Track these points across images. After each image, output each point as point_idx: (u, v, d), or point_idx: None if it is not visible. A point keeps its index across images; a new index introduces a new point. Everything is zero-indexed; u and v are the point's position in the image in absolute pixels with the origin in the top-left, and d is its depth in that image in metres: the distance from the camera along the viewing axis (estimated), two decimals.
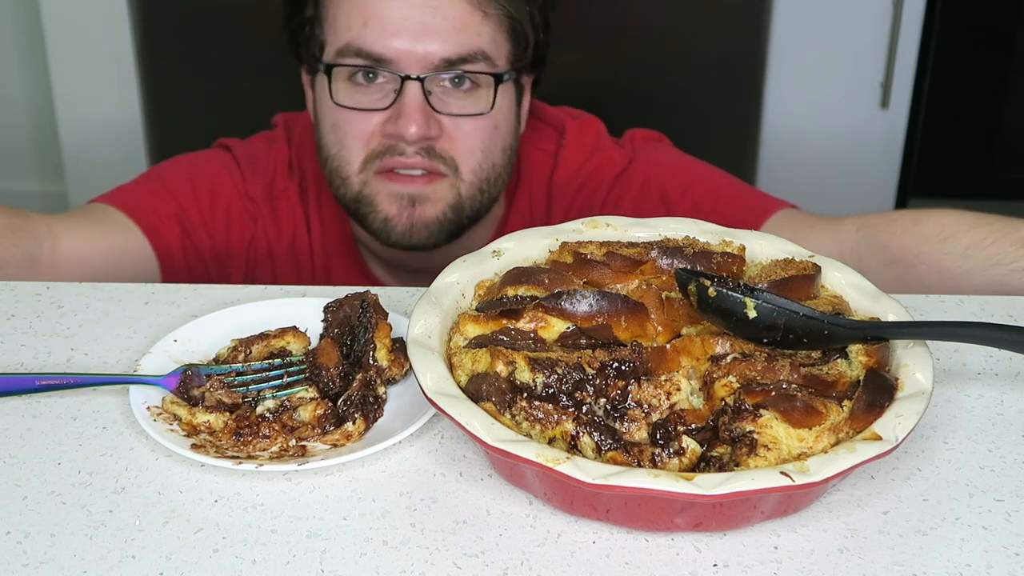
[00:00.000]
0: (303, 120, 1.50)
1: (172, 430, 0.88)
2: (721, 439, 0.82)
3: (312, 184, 1.47)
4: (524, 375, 0.85)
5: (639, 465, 0.81)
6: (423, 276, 1.45)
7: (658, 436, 0.83)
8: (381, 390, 0.92)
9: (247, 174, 1.46)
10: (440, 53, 1.30)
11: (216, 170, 1.46)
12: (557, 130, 1.50)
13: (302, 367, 0.94)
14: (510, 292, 0.93)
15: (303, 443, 0.89)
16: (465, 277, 0.96)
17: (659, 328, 0.91)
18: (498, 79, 1.33)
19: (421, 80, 1.30)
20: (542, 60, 1.44)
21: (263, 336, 0.98)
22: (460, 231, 1.39)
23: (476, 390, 0.84)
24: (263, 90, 2.38)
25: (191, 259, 1.42)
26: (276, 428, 0.89)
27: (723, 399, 0.84)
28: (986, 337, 0.87)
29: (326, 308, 1.00)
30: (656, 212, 1.41)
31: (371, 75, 1.32)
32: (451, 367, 0.87)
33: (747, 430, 0.80)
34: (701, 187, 1.44)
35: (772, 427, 0.80)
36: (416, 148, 1.32)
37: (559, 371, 0.85)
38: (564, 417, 0.83)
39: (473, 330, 0.90)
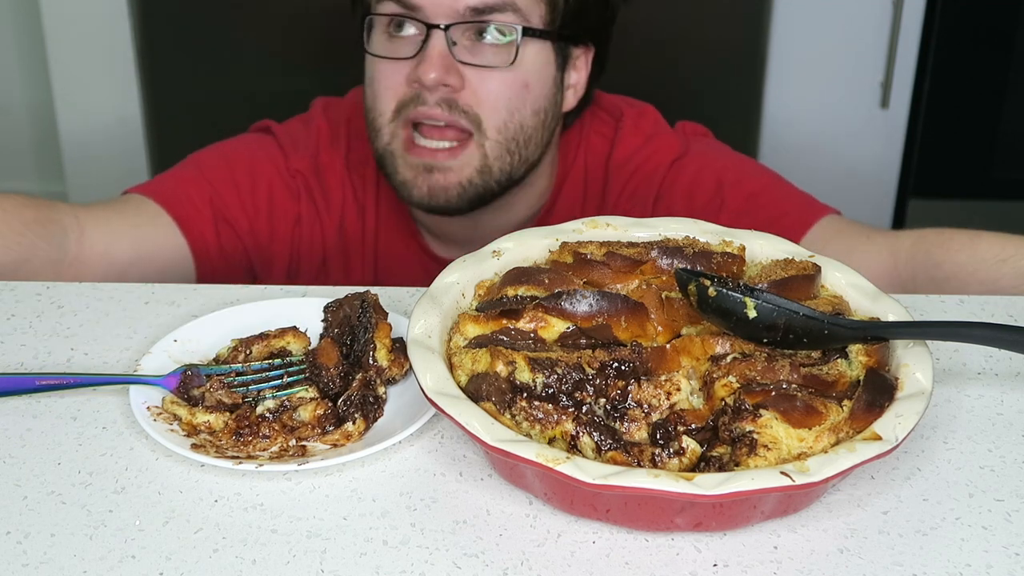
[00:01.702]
0: (343, 103, 1.51)
1: (172, 430, 0.88)
2: (721, 439, 0.82)
3: (364, 158, 1.46)
4: (524, 375, 0.85)
5: (639, 465, 0.81)
6: (470, 247, 1.47)
7: (658, 436, 0.83)
8: (381, 390, 0.92)
9: (289, 152, 1.47)
10: (468, 1, 1.31)
11: (255, 152, 1.47)
12: (614, 116, 1.51)
13: (302, 367, 0.94)
14: (510, 292, 0.93)
15: (303, 443, 0.89)
16: (465, 277, 0.96)
17: (659, 328, 0.91)
18: (525, 32, 1.33)
19: (446, 29, 1.31)
20: (597, 35, 1.44)
21: (263, 336, 0.98)
22: (489, 196, 1.38)
23: (476, 390, 0.84)
24: (264, 90, 2.39)
25: (227, 246, 1.42)
26: (276, 428, 0.89)
27: (723, 399, 0.84)
28: (986, 337, 0.87)
29: (326, 308, 1.00)
30: (711, 199, 1.42)
31: (403, 25, 1.34)
32: (451, 367, 0.87)
33: (747, 430, 0.80)
34: (755, 180, 1.45)
35: (772, 427, 0.80)
36: (437, 99, 1.33)
37: (559, 371, 0.85)
38: (564, 417, 0.83)
39: (473, 330, 0.90)
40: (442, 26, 1.31)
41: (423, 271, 1.47)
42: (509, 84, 1.35)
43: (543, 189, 1.48)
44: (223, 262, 1.42)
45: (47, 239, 1.26)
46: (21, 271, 1.21)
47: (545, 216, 1.48)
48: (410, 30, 1.34)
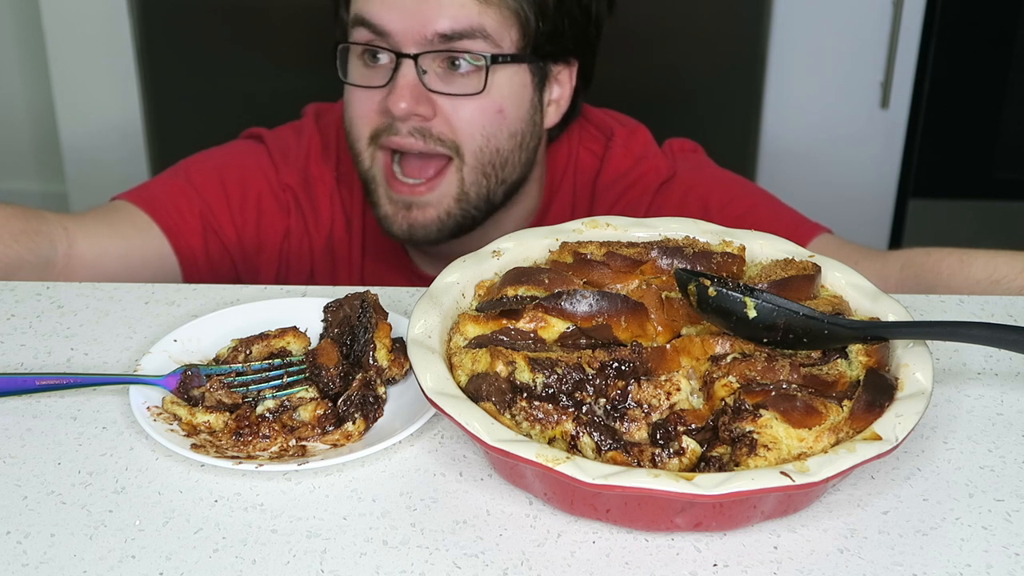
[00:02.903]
0: (336, 109, 1.51)
1: (172, 430, 0.88)
2: (721, 439, 0.82)
3: (353, 170, 1.47)
4: (524, 375, 0.85)
5: (639, 465, 0.81)
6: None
7: (658, 436, 0.83)
8: (381, 390, 0.92)
9: (280, 164, 1.47)
10: (436, 27, 1.30)
11: (247, 163, 1.47)
12: (605, 133, 1.50)
13: (302, 367, 0.94)
14: (510, 292, 0.93)
15: (303, 443, 0.89)
16: (465, 277, 0.96)
17: (659, 328, 0.91)
18: (493, 60, 1.33)
19: (415, 58, 1.31)
20: (579, 50, 1.42)
21: (263, 336, 0.98)
22: (469, 224, 1.38)
23: (476, 390, 0.84)
24: (263, 90, 2.39)
25: (215, 257, 1.42)
26: (276, 428, 0.89)
27: (723, 399, 0.84)
28: (986, 337, 0.87)
29: (326, 308, 1.00)
30: (707, 214, 1.40)
31: (377, 55, 1.34)
32: (451, 367, 0.87)
33: (747, 430, 0.80)
34: (741, 203, 1.44)
35: (772, 427, 0.80)
36: (409, 128, 1.33)
37: (559, 371, 0.85)
38: (564, 417, 0.83)
39: (473, 330, 0.90)
40: (411, 55, 1.31)
41: (408, 286, 1.47)
42: (482, 110, 1.34)
43: (530, 209, 1.48)
44: (210, 273, 1.42)
45: (34, 252, 1.26)
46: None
47: None
48: (382, 58, 1.34)
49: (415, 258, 1.49)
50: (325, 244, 1.47)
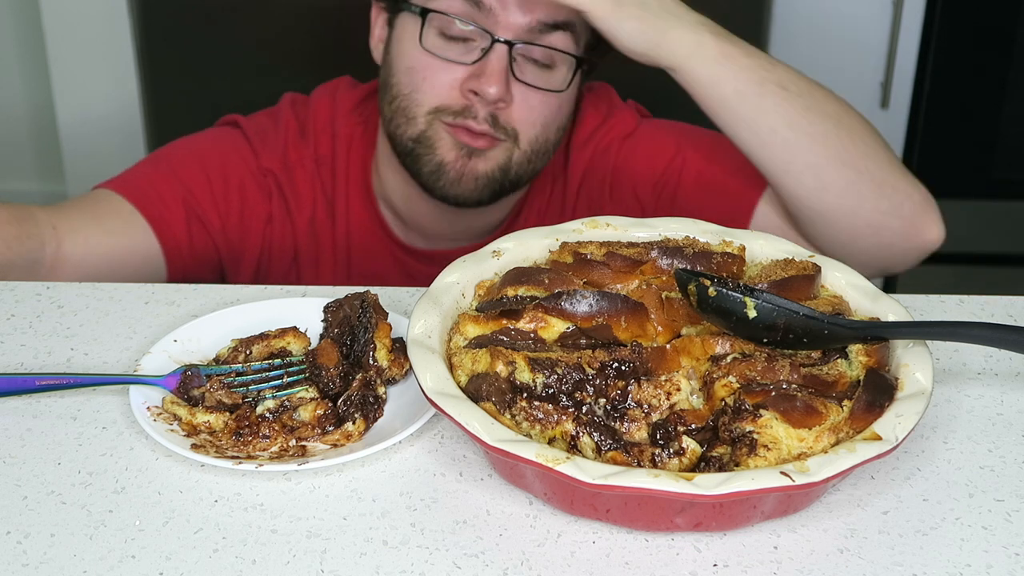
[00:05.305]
0: (311, 102, 1.51)
1: (172, 430, 0.88)
2: (721, 439, 0.82)
3: (331, 155, 1.47)
4: (524, 375, 0.85)
5: (639, 465, 0.81)
6: (442, 241, 1.46)
7: (658, 436, 0.83)
8: (381, 390, 0.92)
9: (259, 150, 1.46)
10: (539, 15, 1.32)
11: (227, 151, 1.46)
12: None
13: (302, 367, 0.95)
14: (510, 292, 0.93)
15: (303, 443, 0.89)
16: (465, 277, 0.96)
17: (659, 328, 0.91)
18: (579, 61, 1.36)
19: (510, 45, 1.32)
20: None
21: (263, 336, 0.98)
22: (502, 192, 1.41)
23: (476, 390, 0.84)
24: (263, 90, 2.38)
25: (198, 244, 1.42)
26: (276, 428, 0.89)
27: (723, 399, 0.84)
28: (986, 337, 0.87)
29: (326, 308, 1.00)
30: (671, 164, 1.45)
31: (469, 28, 1.33)
32: (451, 367, 0.87)
33: (747, 430, 0.80)
34: (709, 133, 1.46)
35: (772, 427, 0.80)
36: (486, 114, 1.34)
37: (559, 371, 0.85)
38: (564, 417, 0.83)
39: (473, 330, 0.90)
40: (507, 41, 1.31)
41: (395, 263, 1.48)
42: (548, 104, 1.37)
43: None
44: (193, 261, 1.42)
45: (24, 255, 1.26)
46: None
47: (519, 206, 1.49)
48: (470, 35, 1.32)
49: (401, 234, 1.49)
50: (308, 227, 1.47)
